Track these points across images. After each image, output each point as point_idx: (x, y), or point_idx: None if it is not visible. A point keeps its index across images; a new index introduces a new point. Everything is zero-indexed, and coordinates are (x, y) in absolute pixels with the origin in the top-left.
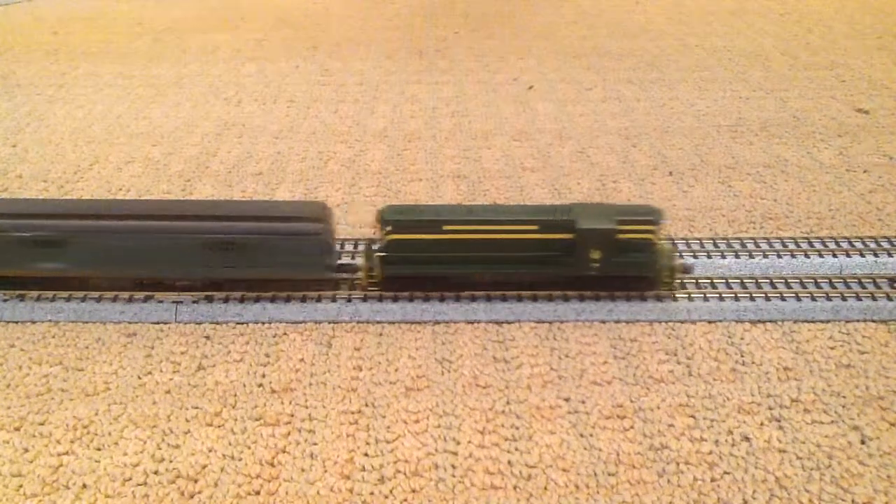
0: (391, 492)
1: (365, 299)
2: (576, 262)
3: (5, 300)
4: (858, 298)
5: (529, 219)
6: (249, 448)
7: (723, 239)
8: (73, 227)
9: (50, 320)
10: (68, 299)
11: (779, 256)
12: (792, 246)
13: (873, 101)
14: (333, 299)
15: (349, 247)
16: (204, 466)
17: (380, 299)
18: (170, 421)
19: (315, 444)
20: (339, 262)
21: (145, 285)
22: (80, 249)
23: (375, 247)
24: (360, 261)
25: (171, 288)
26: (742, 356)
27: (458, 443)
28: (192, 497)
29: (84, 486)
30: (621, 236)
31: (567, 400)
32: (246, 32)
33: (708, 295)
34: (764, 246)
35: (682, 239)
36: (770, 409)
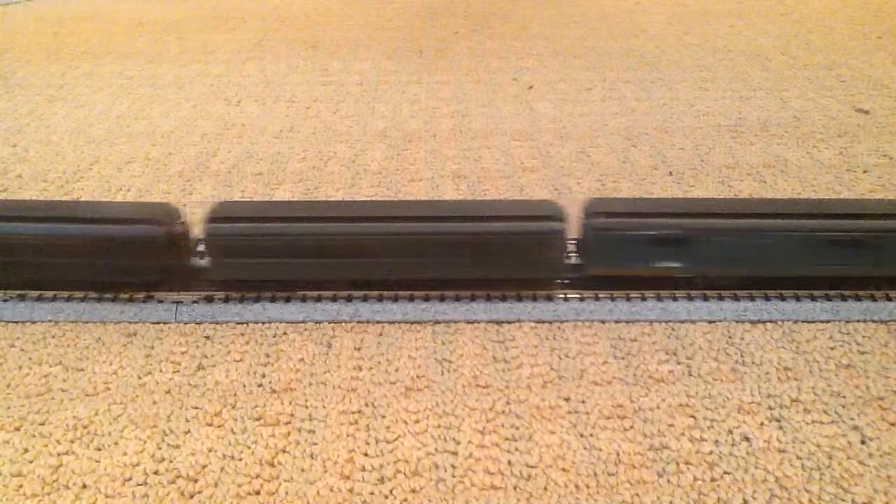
0: (391, 492)
1: (365, 299)
2: None
3: (5, 300)
4: (858, 298)
5: None
6: (249, 448)
7: None
8: (697, 226)
9: (50, 320)
10: (68, 299)
11: None
12: None
13: (873, 101)
14: (334, 299)
15: None
16: (204, 466)
17: (380, 299)
18: (170, 421)
19: (315, 444)
20: None
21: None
22: (701, 248)
23: None
24: None
25: (171, 289)
26: (742, 356)
27: (458, 443)
28: (192, 497)
29: (84, 486)
30: None
31: (567, 400)
32: (246, 32)
33: (708, 295)
34: None
35: None
36: (770, 409)
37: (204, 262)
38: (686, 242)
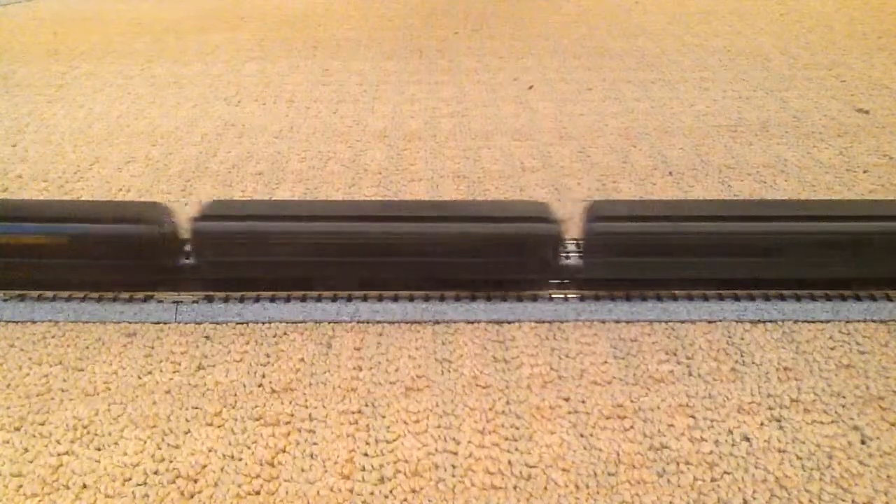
0: (391, 492)
1: (365, 299)
2: None
3: (5, 300)
4: (858, 298)
5: None
6: (249, 448)
7: None
8: None
9: (50, 320)
10: (68, 299)
11: None
12: None
13: (873, 101)
14: (333, 299)
15: None
16: (204, 466)
17: (380, 299)
18: (170, 421)
19: (315, 444)
20: None
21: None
22: None
23: None
24: None
25: (172, 287)
26: (742, 356)
27: (458, 443)
28: (192, 497)
29: (84, 486)
30: None
31: (567, 400)
32: (246, 32)
33: (708, 295)
34: None
35: None
36: (770, 409)
37: (575, 261)
38: None
